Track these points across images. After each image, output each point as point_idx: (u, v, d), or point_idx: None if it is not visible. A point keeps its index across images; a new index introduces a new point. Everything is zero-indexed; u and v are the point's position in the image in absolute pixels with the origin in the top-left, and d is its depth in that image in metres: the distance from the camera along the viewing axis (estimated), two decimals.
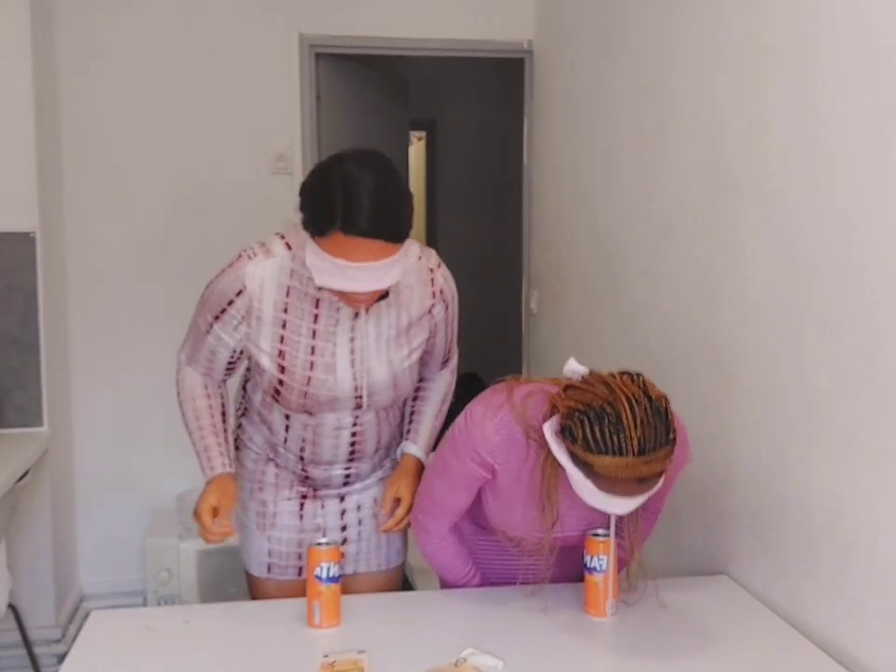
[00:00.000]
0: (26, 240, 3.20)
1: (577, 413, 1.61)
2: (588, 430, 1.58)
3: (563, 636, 1.80)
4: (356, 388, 1.98)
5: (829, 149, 1.78)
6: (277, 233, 1.97)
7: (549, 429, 1.68)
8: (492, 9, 3.86)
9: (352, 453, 2.08)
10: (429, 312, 2.02)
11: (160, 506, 3.71)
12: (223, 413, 2.07)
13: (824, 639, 1.78)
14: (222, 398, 2.09)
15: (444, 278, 2.04)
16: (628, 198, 2.85)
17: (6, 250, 3.19)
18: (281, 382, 1.96)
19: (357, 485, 2.15)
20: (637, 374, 1.66)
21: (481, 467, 1.79)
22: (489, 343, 5.93)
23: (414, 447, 2.14)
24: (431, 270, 2.02)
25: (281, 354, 1.95)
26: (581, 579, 1.90)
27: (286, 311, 1.93)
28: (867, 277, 1.66)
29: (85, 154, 3.63)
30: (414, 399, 2.18)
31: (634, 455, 1.56)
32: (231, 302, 1.93)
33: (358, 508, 2.15)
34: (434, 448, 2.12)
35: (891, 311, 1.60)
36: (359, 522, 2.15)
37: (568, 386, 1.69)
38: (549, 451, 1.71)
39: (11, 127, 3.18)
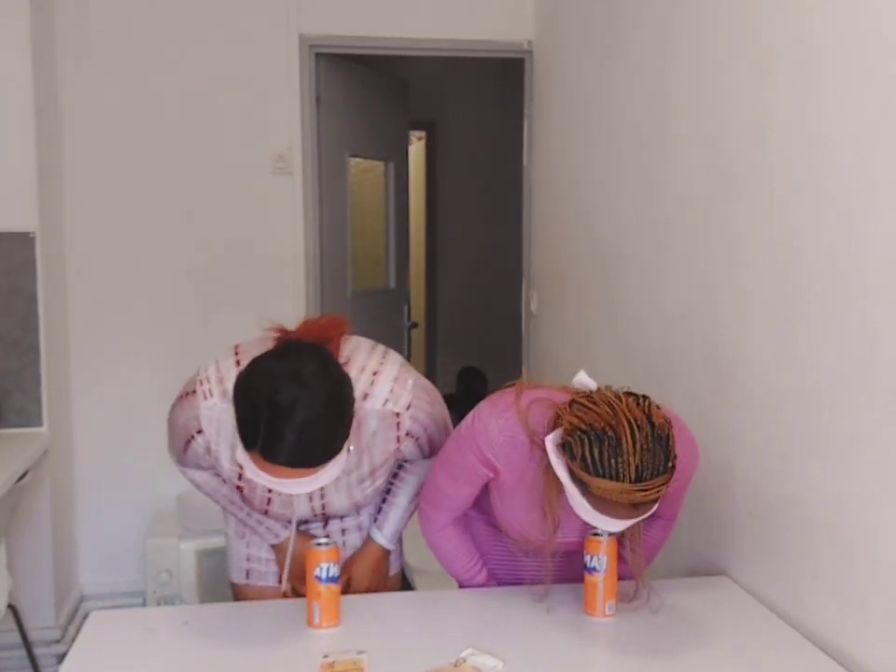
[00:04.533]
0: (26, 240, 3.20)
1: (578, 432, 1.61)
2: (587, 451, 1.58)
3: (563, 636, 1.80)
4: (314, 515, 2.00)
5: (828, 150, 1.78)
6: (237, 362, 1.83)
7: (551, 442, 1.69)
8: (492, 9, 3.86)
9: (325, 518, 2.08)
10: (396, 449, 1.93)
11: (160, 506, 3.71)
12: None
13: (824, 640, 1.78)
14: None
15: (413, 418, 1.89)
16: (628, 198, 2.85)
17: (6, 250, 3.20)
18: (242, 497, 1.98)
19: None
20: (644, 397, 1.66)
21: (483, 464, 1.80)
22: (488, 343, 5.94)
23: (380, 535, 2.10)
24: (397, 414, 1.87)
25: (239, 488, 1.93)
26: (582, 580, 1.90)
27: None
28: (867, 277, 1.66)
29: (85, 154, 3.63)
30: (395, 476, 2.09)
31: (630, 481, 1.56)
32: (192, 437, 1.88)
33: (342, 518, 2.12)
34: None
35: (891, 311, 1.60)
36: (343, 532, 2.13)
37: (574, 401, 1.69)
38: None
39: (11, 127, 3.18)
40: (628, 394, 1.67)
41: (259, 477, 1.68)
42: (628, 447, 1.56)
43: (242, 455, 1.69)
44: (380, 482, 1.98)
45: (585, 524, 1.82)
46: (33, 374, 3.25)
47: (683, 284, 2.44)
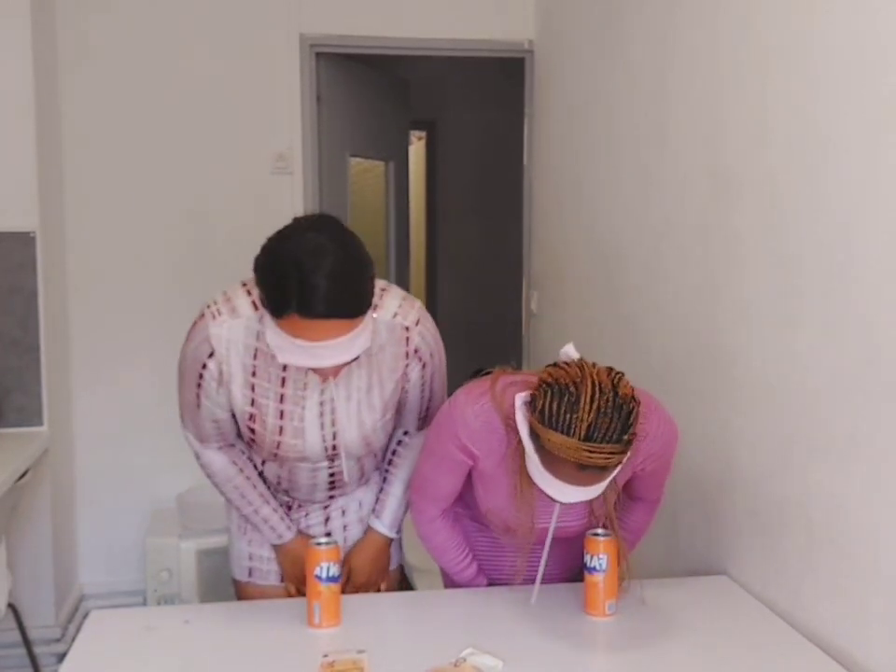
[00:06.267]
0: (26, 240, 3.20)
1: (544, 385, 1.64)
2: (547, 403, 1.61)
3: (563, 635, 1.80)
4: (325, 449, 1.97)
5: (828, 150, 1.78)
6: (244, 284, 1.86)
7: (520, 398, 1.71)
8: (492, 9, 3.86)
9: (332, 485, 2.07)
10: (403, 372, 1.93)
11: (160, 506, 3.72)
12: (260, 474, 2.06)
13: (824, 640, 1.78)
14: (251, 460, 2.05)
15: (421, 336, 1.92)
16: (628, 198, 2.85)
17: (6, 250, 3.19)
18: (252, 439, 1.96)
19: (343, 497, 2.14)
20: (619, 372, 1.67)
21: (460, 451, 1.82)
22: (489, 343, 5.93)
23: (379, 523, 2.10)
24: (406, 328, 1.89)
25: (251, 417, 1.91)
26: (580, 578, 1.90)
27: (254, 374, 1.86)
28: (867, 277, 1.66)
29: (85, 154, 3.63)
30: (389, 462, 2.11)
31: (580, 438, 1.56)
32: (204, 366, 1.86)
33: (343, 513, 2.13)
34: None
35: (891, 311, 1.60)
36: (344, 527, 2.13)
37: (552, 364, 1.71)
38: (520, 438, 1.73)
39: (11, 127, 3.18)
40: (606, 367, 1.68)
41: (296, 349, 1.68)
42: (584, 405, 1.57)
43: (274, 336, 1.71)
44: (388, 416, 1.97)
45: (571, 504, 1.82)
46: (33, 373, 3.25)
47: (683, 284, 2.45)
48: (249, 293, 1.84)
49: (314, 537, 2.02)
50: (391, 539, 2.14)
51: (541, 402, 1.62)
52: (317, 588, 1.80)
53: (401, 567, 2.28)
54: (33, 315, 3.24)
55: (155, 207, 3.71)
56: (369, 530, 2.12)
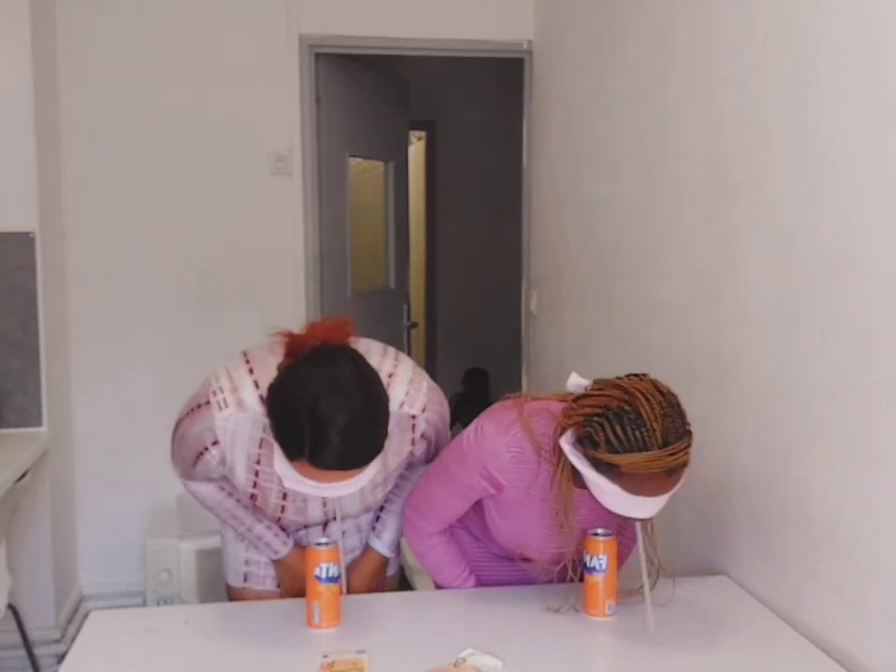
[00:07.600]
0: (26, 240, 3.20)
1: (595, 418, 1.62)
2: (610, 432, 1.59)
3: (563, 636, 1.80)
4: (326, 520, 2.01)
5: (828, 150, 1.78)
6: (250, 371, 1.83)
7: (566, 443, 1.69)
8: (492, 9, 3.86)
9: (326, 524, 2.09)
10: (409, 454, 1.94)
11: (160, 506, 3.71)
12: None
13: (824, 640, 1.78)
14: None
15: (427, 421, 1.90)
16: (628, 199, 2.85)
17: (6, 250, 3.19)
18: (255, 505, 1.97)
19: None
20: (643, 374, 1.68)
21: (487, 481, 1.80)
22: (488, 344, 5.94)
23: (379, 543, 2.10)
24: (413, 417, 1.88)
25: (253, 496, 1.92)
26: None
27: (258, 462, 1.86)
28: (867, 278, 1.66)
29: (85, 154, 3.63)
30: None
31: (659, 447, 1.57)
32: (206, 449, 1.86)
33: (342, 519, 2.12)
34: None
35: (891, 311, 1.60)
36: (343, 533, 2.12)
37: (578, 397, 1.70)
38: (561, 470, 1.72)
39: (11, 127, 3.18)
40: (627, 375, 1.68)
41: (303, 485, 1.68)
42: (648, 415, 1.58)
43: (282, 465, 1.69)
44: (390, 485, 2.00)
45: (591, 528, 1.83)
46: (33, 375, 3.25)
47: (683, 284, 2.44)
48: (257, 385, 1.80)
49: None
50: (389, 559, 2.13)
51: (603, 434, 1.60)
52: (317, 588, 1.80)
53: (401, 569, 2.28)
54: (32, 316, 3.24)
55: (155, 208, 3.71)
56: (367, 549, 2.11)
